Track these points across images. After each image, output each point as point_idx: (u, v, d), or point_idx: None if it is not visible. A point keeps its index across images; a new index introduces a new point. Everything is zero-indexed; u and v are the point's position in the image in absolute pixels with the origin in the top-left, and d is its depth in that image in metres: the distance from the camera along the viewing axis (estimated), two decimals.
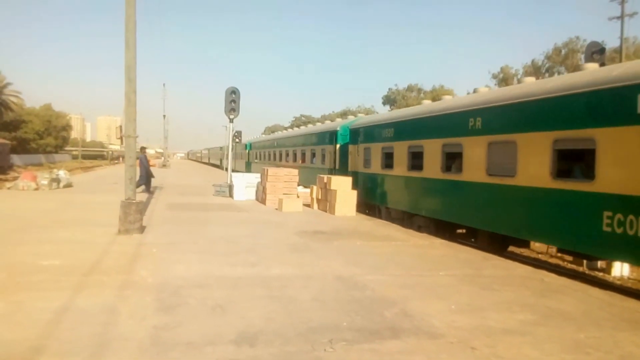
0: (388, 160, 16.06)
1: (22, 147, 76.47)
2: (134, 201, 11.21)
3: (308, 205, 17.80)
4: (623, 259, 9.23)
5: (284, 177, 18.30)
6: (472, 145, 11.73)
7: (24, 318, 5.39)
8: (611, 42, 53.48)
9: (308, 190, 18.61)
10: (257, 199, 19.99)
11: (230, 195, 20.90)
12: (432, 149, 13.37)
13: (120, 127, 13.10)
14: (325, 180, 16.90)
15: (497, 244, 11.46)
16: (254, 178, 20.79)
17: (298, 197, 17.92)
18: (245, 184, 20.55)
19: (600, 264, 12.14)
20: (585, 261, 12.64)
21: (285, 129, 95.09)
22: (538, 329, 5.57)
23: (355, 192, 16.36)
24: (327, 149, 22.16)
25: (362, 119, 20.56)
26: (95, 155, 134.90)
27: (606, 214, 8.17)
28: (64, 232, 10.99)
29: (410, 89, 76.20)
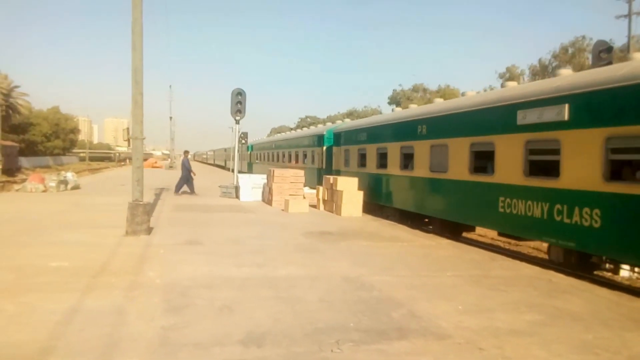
0: (362, 160, 18.82)
1: (30, 149, 76.99)
2: (141, 203, 11.27)
3: (314, 206, 17.80)
4: (510, 232, 11.34)
5: (290, 178, 18.34)
6: (420, 147, 14.49)
7: (33, 319, 5.44)
8: (619, 41, 53.22)
9: (314, 191, 18.64)
10: (263, 200, 20.02)
11: (237, 197, 20.94)
12: (394, 151, 16.13)
13: (128, 129, 13.16)
14: (331, 181, 16.91)
15: (450, 229, 13.47)
16: (260, 179, 20.83)
17: (304, 198, 17.94)
18: (251, 185, 20.59)
19: (607, 265, 12.26)
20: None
21: (291, 129, 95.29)
22: (546, 329, 5.55)
23: (361, 193, 16.38)
24: (316, 151, 24.61)
25: (343, 125, 23.55)
26: (103, 157, 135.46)
27: (500, 199, 10.88)
28: (72, 234, 11.06)
29: (415, 89, 76.04)
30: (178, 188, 22.65)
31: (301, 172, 18.99)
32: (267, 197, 19.10)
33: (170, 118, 71.34)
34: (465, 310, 6.16)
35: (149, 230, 11.39)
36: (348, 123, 23.89)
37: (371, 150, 18.01)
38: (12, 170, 55.48)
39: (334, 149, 22.26)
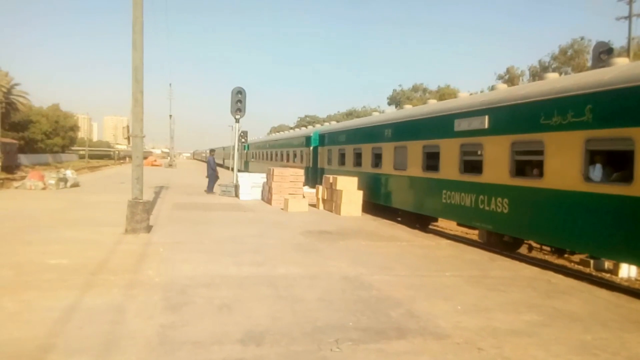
0: (342, 159, 21.08)
1: (29, 147, 76.97)
2: (141, 201, 11.27)
3: (314, 206, 17.81)
4: (448, 218, 14.00)
5: (290, 177, 18.33)
6: (386, 148, 16.77)
7: (32, 316, 5.44)
8: (619, 42, 53.20)
9: (314, 190, 18.65)
10: (262, 199, 20.02)
11: (236, 195, 20.93)
12: (367, 151, 18.47)
13: (127, 127, 13.18)
14: (331, 181, 16.92)
15: (416, 220, 15.33)
16: (259, 178, 20.83)
17: (304, 197, 17.93)
18: (251, 184, 20.58)
19: (607, 265, 12.63)
20: (592, 261, 12.86)
21: (291, 128, 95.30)
22: (545, 330, 5.56)
23: (361, 193, 16.40)
24: (304, 151, 26.68)
25: (326, 127, 26.53)
26: (102, 155, 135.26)
27: (443, 191, 13.11)
28: (71, 232, 11.06)
29: (415, 89, 76.03)
30: (210, 188, 22.84)
31: (301, 172, 19.01)
32: (267, 196, 19.10)
33: (170, 116, 71.34)
34: (464, 310, 6.17)
35: (149, 229, 11.39)
36: (331, 126, 26.35)
37: (349, 150, 20.30)
38: (11, 168, 55.45)
39: (319, 149, 24.37)
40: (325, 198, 17.52)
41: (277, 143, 34.60)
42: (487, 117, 11.56)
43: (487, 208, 11.36)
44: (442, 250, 10.63)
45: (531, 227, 10.34)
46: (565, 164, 9.39)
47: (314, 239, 11.25)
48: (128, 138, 12.89)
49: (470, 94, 13.94)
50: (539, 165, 10.12)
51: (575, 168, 9.11)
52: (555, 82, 10.26)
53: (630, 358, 4.86)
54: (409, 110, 17.46)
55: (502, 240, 11.78)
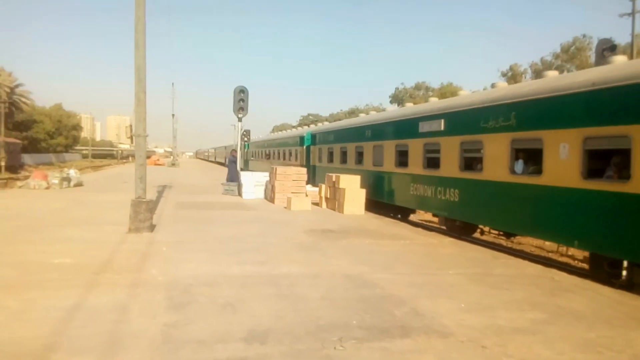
0: (330, 157, 22.97)
1: (33, 146, 77.17)
2: (144, 200, 11.28)
3: (317, 204, 17.80)
4: (415, 208, 16.39)
5: (293, 175, 18.32)
6: (367, 147, 18.74)
7: (36, 316, 5.45)
8: (622, 39, 53.04)
9: (317, 189, 18.64)
10: (265, 197, 20.02)
11: (239, 194, 20.94)
12: (351, 150, 20.39)
13: (130, 126, 13.19)
14: (333, 179, 16.90)
15: (397, 212, 17.33)
16: (262, 177, 20.82)
17: (307, 195, 17.92)
18: (254, 182, 20.57)
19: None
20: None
21: (293, 127, 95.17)
22: (549, 328, 5.54)
23: (364, 191, 16.39)
24: (298, 150, 28.41)
25: (317, 127, 28.76)
26: (105, 154, 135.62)
27: (411, 185, 15.06)
28: (74, 231, 11.08)
29: (417, 87, 75.91)
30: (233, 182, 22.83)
31: (303, 170, 19.02)
32: (270, 194, 19.10)
33: (173, 116, 71.37)
34: (467, 309, 6.16)
35: (152, 228, 11.41)
36: (321, 126, 28.68)
37: (337, 149, 22.21)
38: (15, 167, 55.67)
39: (311, 147, 26.27)
40: (328, 197, 17.50)
41: (274, 142, 36.50)
42: (443, 120, 13.63)
43: (443, 198, 13.35)
44: (445, 248, 10.61)
45: (476, 213, 12.33)
46: (497, 160, 11.24)
47: (316, 237, 11.25)
48: (131, 137, 12.91)
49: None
50: (480, 160, 11.95)
51: (504, 163, 10.97)
52: (494, 92, 12.27)
53: (635, 356, 4.84)
54: (386, 114, 19.59)
55: (455, 225, 13.60)
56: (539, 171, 10.08)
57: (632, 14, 34.11)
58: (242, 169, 24.27)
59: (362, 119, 22.13)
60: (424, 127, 14.55)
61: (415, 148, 14.95)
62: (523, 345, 4.97)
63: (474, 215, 12.47)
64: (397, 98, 75.39)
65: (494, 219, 11.79)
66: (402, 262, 9.03)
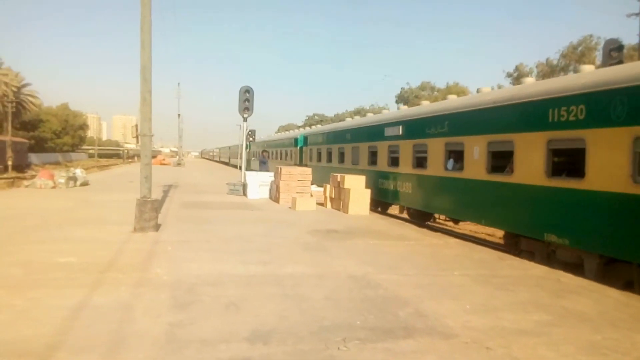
0: (319, 157, 26.21)
1: (39, 146, 77.64)
2: (149, 199, 11.32)
3: (321, 204, 17.80)
4: (383, 200, 18.07)
5: (298, 175, 18.33)
6: (347, 148, 21.89)
7: (40, 314, 5.47)
8: (630, 39, 52.67)
9: (321, 189, 18.64)
10: (270, 197, 20.04)
11: (244, 194, 20.96)
12: (335, 150, 23.70)
13: (136, 126, 13.22)
14: (338, 179, 16.89)
15: (377, 204, 18.72)
16: (267, 177, 20.85)
17: (311, 195, 17.92)
18: (259, 182, 20.60)
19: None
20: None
21: (299, 127, 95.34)
22: (554, 329, 5.51)
23: (369, 191, 16.39)
24: (293, 150, 31.78)
25: (309, 130, 32.04)
26: (111, 154, 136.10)
27: (379, 180, 17.87)
28: (80, 230, 11.13)
29: (423, 87, 75.79)
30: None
31: (308, 170, 19.03)
32: (275, 194, 19.12)
33: (179, 115, 71.68)
34: (472, 310, 6.13)
35: (157, 227, 11.44)
36: (312, 129, 31.99)
37: (323, 149, 25.55)
38: (21, 167, 55.99)
39: (304, 148, 29.47)
40: (333, 197, 17.49)
41: (273, 143, 40.22)
42: (401, 127, 16.65)
43: (401, 190, 16.37)
44: (451, 249, 10.58)
45: (424, 202, 15.15)
46: (436, 159, 14.23)
47: (321, 237, 11.24)
48: (137, 137, 12.93)
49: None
50: (426, 160, 14.83)
51: (441, 161, 13.97)
52: (435, 105, 15.89)
53: None
54: (361, 120, 23.16)
55: (410, 212, 17.05)
56: (462, 168, 12.97)
57: None
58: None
59: (343, 123, 25.07)
60: (388, 132, 17.52)
61: (382, 149, 17.95)
62: (528, 347, 4.95)
63: (425, 204, 15.09)
64: (403, 98, 75.30)
65: (439, 207, 14.71)
66: (407, 263, 9.00)
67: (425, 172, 14.75)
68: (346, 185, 16.25)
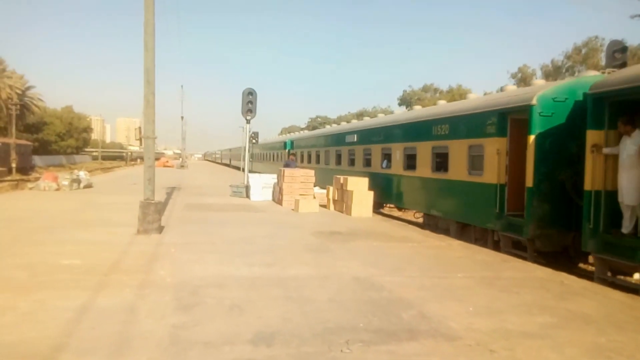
0: (302, 157, 30.30)
1: (43, 148, 77.90)
2: (152, 201, 11.34)
3: (324, 206, 17.80)
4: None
5: (301, 177, 18.33)
6: (329, 151, 25.78)
7: (45, 316, 5.49)
8: (633, 41, 52.48)
9: (324, 191, 18.65)
10: (273, 199, 20.06)
11: (247, 196, 20.99)
12: (316, 153, 28.16)
13: (140, 128, 13.26)
14: (341, 181, 16.89)
15: None
16: (270, 179, 20.87)
17: (314, 197, 17.93)
18: (261, 184, 20.62)
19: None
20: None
21: (302, 129, 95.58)
22: (558, 332, 5.49)
23: (371, 193, 16.38)
24: (283, 153, 35.42)
25: (296, 135, 39.64)
26: (115, 156, 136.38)
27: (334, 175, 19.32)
28: (84, 232, 11.16)
29: (425, 89, 75.74)
30: None
31: (311, 172, 19.04)
32: (278, 196, 19.13)
33: (182, 118, 71.74)
34: (476, 312, 6.12)
35: (160, 229, 11.46)
36: (298, 134, 38.64)
37: (305, 152, 30.44)
38: (26, 169, 56.18)
39: (291, 151, 33.49)
40: (336, 199, 17.49)
41: (267, 146, 44.35)
42: (356, 135, 21.69)
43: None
44: (454, 251, 10.56)
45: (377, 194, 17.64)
46: (376, 160, 19.06)
47: (324, 239, 11.24)
48: (140, 139, 12.97)
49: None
50: (370, 160, 19.59)
51: (378, 161, 18.79)
52: (378, 120, 21.99)
53: None
54: (332, 128, 29.60)
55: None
56: (389, 166, 17.74)
57: None
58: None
59: (321, 130, 31.39)
60: (347, 138, 22.72)
61: (344, 152, 22.93)
62: (532, 350, 4.93)
63: (378, 196, 17.77)
64: (405, 100, 75.27)
65: (382, 197, 18.05)
66: (411, 265, 8.99)
67: (370, 169, 19.43)
68: (349, 187, 16.25)
